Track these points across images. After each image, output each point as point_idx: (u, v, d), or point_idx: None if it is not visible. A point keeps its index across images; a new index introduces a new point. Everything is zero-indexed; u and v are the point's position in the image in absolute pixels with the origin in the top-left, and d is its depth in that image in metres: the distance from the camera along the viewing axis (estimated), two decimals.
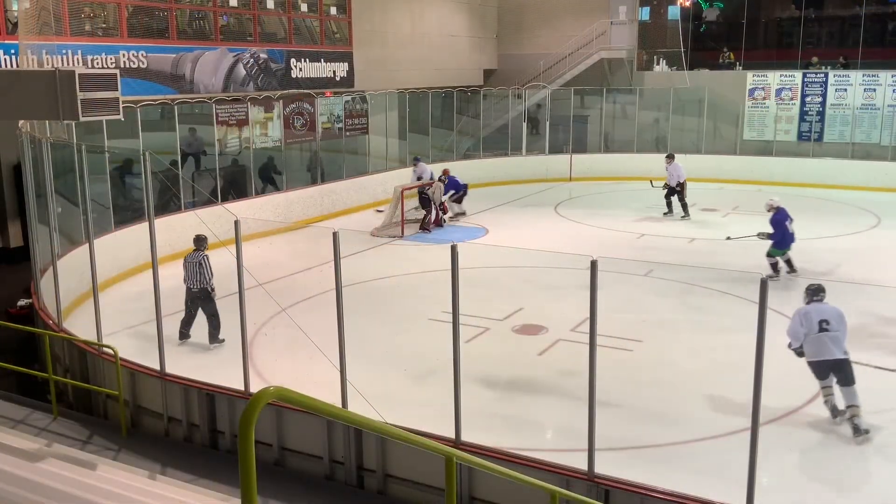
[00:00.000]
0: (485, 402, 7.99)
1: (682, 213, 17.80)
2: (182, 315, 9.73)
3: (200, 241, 9.66)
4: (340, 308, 6.99)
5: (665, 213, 18.10)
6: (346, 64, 20.42)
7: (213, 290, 9.55)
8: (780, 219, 12.41)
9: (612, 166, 23.47)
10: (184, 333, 9.74)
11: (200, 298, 9.56)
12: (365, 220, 17.73)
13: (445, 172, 17.68)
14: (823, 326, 7.40)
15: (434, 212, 16.71)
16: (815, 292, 7.72)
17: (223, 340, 9.56)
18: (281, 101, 17.51)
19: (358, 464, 7.22)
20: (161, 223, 11.56)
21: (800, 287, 11.95)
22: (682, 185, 17.85)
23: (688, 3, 25.42)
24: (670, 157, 18.29)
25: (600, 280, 5.83)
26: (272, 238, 15.18)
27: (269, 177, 17.58)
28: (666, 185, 18.04)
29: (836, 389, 7.47)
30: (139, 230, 11.83)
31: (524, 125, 24.38)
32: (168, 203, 14.55)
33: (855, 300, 11.35)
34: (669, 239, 15.67)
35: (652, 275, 12.55)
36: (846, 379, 7.37)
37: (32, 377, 9.45)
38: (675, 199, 17.98)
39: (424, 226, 16.48)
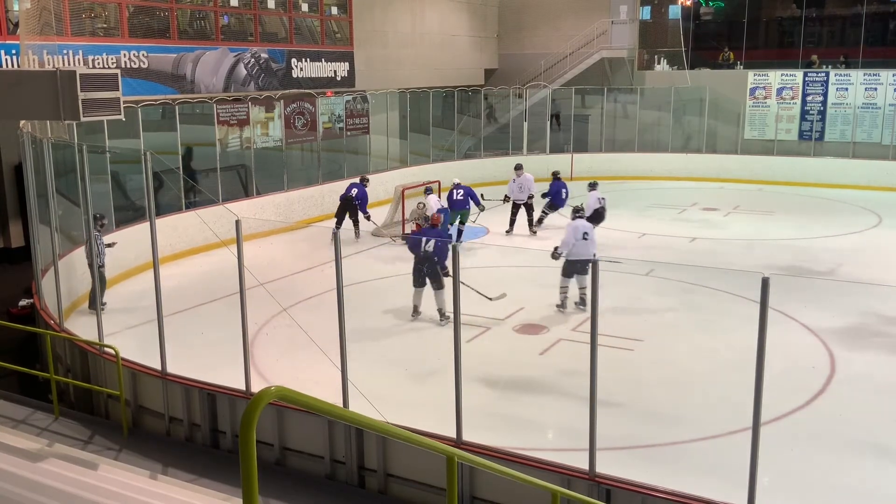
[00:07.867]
0: (486, 402, 7.98)
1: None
2: (183, 316, 9.73)
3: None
4: (341, 308, 6.99)
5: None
6: (346, 64, 20.41)
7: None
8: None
9: (612, 166, 23.46)
10: None
11: None
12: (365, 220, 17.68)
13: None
14: (584, 237, 10.78)
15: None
16: (577, 210, 11.35)
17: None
18: (282, 101, 17.51)
19: (359, 463, 7.22)
20: (162, 223, 11.57)
21: (801, 287, 11.97)
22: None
23: (688, 3, 25.41)
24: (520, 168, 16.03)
25: (601, 279, 5.83)
26: (273, 238, 15.18)
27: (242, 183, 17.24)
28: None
29: (572, 284, 10.75)
30: (140, 230, 11.85)
31: (525, 125, 24.36)
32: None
33: (856, 299, 11.35)
34: (670, 238, 15.66)
35: (653, 274, 12.54)
36: (584, 269, 10.31)
37: (34, 377, 9.46)
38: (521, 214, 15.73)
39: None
